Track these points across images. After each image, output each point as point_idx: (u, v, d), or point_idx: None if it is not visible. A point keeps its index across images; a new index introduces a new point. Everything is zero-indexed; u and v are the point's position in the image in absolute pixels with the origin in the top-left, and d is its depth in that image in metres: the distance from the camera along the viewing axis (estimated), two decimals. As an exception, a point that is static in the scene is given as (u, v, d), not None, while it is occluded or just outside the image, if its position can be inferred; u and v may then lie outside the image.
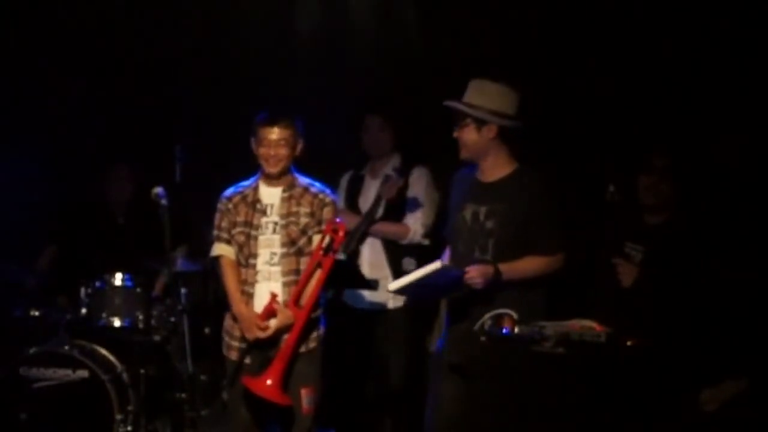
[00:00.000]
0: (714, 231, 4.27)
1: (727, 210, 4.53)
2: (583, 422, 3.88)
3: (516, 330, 3.65)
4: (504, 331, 3.67)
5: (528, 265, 3.97)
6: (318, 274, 4.23)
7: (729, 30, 4.93)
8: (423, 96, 5.44)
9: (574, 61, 5.25)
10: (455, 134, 4.05)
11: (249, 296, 4.28)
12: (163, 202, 4.57)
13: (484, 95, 4.01)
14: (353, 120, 5.31)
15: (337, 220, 4.30)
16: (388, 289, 4.24)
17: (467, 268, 3.87)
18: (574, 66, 5.25)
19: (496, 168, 4.06)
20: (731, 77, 4.92)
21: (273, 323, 4.20)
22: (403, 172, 5.10)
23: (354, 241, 5.06)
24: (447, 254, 4.25)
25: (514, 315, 3.71)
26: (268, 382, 4.09)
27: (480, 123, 3.99)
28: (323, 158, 4.99)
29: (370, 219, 5.06)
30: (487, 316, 3.75)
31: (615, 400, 3.93)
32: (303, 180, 4.36)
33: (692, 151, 4.66)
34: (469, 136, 4.02)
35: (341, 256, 4.97)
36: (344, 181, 5.30)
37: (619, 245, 4.31)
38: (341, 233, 4.22)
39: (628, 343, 3.59)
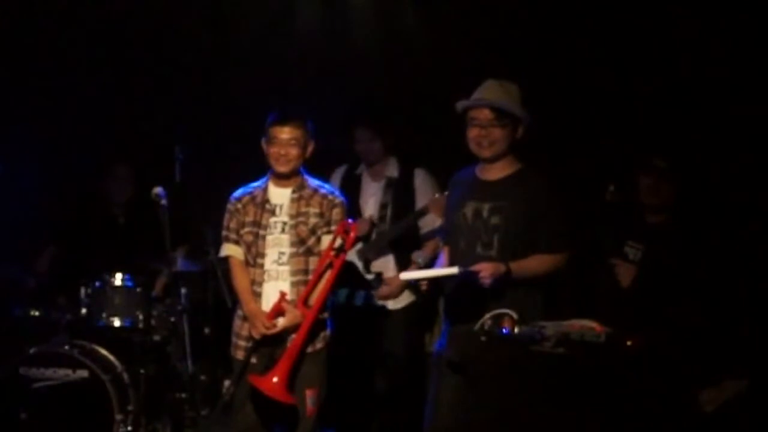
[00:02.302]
0: (714, 230, 4.28)
1: (727, 209, 4.54)
2: (583, 422, 3.88)
3: (516, 330, 3.65)
4: (504, 331, 3.67)
5: (535, 264, 3.97)
6: (328, 275, 4.23)
7: (730, 30, 4.93)
8: (422, 96, 5.45)
9: (574, 60, 5.25)
10: (483, 133, 4.01)
11: (257, 296, 4.27)
12: (163, 202, 4.58)
13: (511, 96, 4.03)
14: (351, 120, 5.31)
15: (349, 221, 4.30)
16: (400, 278, 4.23)
17: (479, 267, 3.86)
18: (573, 65, 5.25)
19: (503, 167, 4.07)
20: (732, 77, 4.92)
21: (281, 322, 4.20)
22: (404, 175, 5.13)
23: (378, 248, 5.07)
24: (442, 257, 4.25)
25: (514, 315, 3.70)
26: (275, 379, 4.09)
27: (516, 124, 4.02)
28: (323, 158, 4.99)
29: (400, 230, 5.05)
30: (487, 316, 3.74)
31: (615, 400, 3.93)
32: (312, 182, 4.37)
33: (693, 151, 4.66)
34: (505, 135, 4.01)
35: (360, 267, 5.01)
36: (337, 177, 5.27)
37: (619, 245, 4.31)
38: (352, 234, 4.23)
39: (628, 343, 3.59)
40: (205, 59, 5.86)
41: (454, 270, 3.86)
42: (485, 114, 4.01)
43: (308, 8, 5.74)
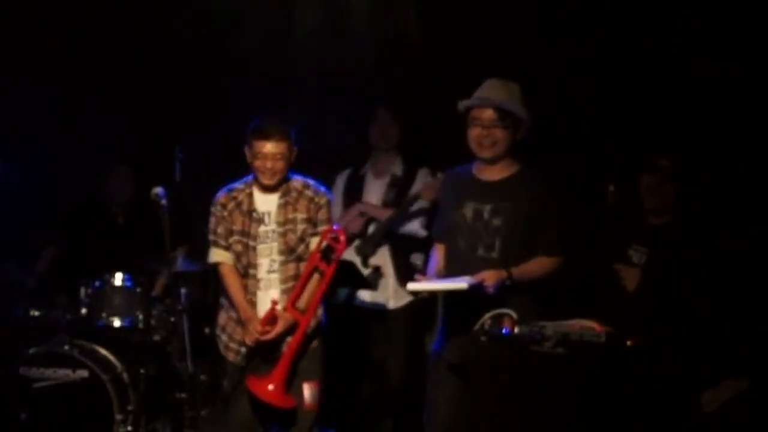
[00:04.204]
0: (717, 231, 4.27)
1: (730, 210, 4.53)
2: (583, 423, 3.87)
3: (516, 330, 3.65)
4: (504, 331, 3.67)
5: (535, 268, 3.98)
6: (319, 281, 4.20)
7: (732, 31, 4.93)
8: (422, 96, 5.44)
9: (575, 60, 5.25)
10: (485, 133, 4.00)
11: (252, 305, 4.25)
12: (163, 202, 4.57)
13: (513, 96, 4.02)
14: (353, 119, 5.31)
15: (335, 227, 4.27)
16: (407, 288, 4.19)
17: (483, 276, 3.85)
18: (574, 65, 5.25)
19: (502, 168, 4.06)
20: (734, 77, 4.91)
21: (274, 330, 4.17)
22: (407, 174, 5.13)
23: (375, 242, 5.07)
24: (435, 254, 4.24)
25: (514, 315, 3.70)
26: (270, 387, 4.08)
27: (518, 124, 4.00)
28: (323, 158, 4.99)
29: (394, 221, 5.04)
30: (487, 316, 3.74)
31: (615, 400, 3.92)
32: (297, 181, 4.31)
33: (696, 152, 4.66)
34: (507, 136, 4.01)
35: (358, 263, 5.00)
36: (341, 180, 5.27)
37: (622, 247, 4.30)
38: (342, 238, 4.20)
39: (628, 343, 3.58)
40: (206, 59, 5.85)
41: (464, 285, 3.83)
42: (488, 114, 4.00)
43: (308, 8, 5.73)
